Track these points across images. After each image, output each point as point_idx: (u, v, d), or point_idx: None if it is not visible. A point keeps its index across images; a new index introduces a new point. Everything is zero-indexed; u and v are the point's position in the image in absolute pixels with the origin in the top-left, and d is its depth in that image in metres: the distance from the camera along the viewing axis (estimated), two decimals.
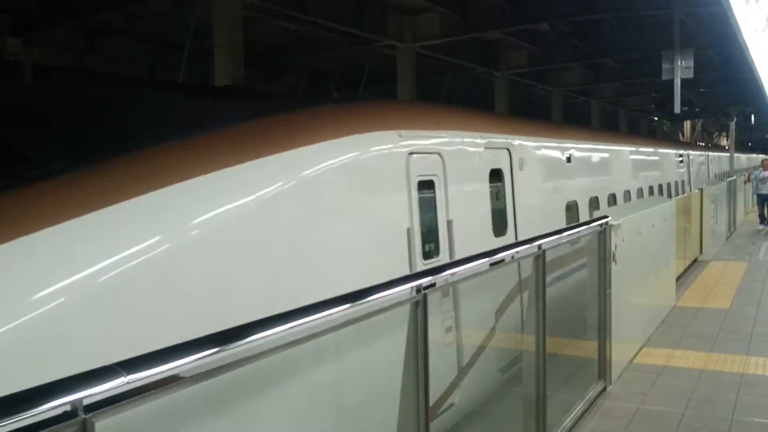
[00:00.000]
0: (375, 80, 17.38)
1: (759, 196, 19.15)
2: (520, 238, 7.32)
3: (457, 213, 6.55)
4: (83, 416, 1.74)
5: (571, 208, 10.34)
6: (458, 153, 7.01)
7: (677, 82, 12.98)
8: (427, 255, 6.07)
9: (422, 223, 6.04)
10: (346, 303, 2.90)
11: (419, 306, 3.24)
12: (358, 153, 5.42)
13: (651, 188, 16.16)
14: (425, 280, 3.30)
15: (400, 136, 5.94)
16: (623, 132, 29.62)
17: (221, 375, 2.26)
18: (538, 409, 4.78)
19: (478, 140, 7.48)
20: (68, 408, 1.72)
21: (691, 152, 23.93)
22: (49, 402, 1.69)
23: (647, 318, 8.02)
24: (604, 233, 6.04)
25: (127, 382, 1.86)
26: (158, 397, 2.00)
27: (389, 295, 3.11)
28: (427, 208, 6.19)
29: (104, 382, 1.81)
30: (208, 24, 11.57)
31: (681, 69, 12.74)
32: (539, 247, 4.69)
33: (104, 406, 1.81)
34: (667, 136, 36.69)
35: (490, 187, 7.59)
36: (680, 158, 21.25)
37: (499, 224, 7.74)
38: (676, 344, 7.50)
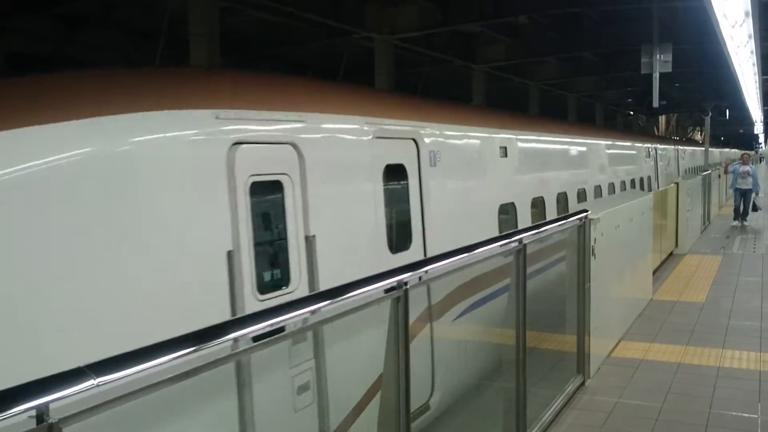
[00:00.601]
0: (353, 72, 17.25)
1: (737, 190, 18.49)
2: (432, 253, 5.92)
3: (324, 225, 5.01)
4: (50, 421, 1.66)
5: (508, 211, 8.84)
6: (327, 143, 5.39)
7: (656, 76, 13.04)
8: (266, 287, 4.55)
9: (258, 243, 4.48)
10: (326, 299, 2.83)
11: (400, 301, 3.18)
12: (122, 144, 3.78)
13: (612, 185, 14.88)
14: (406, 276, 3.24)
15: (217, 118, 4.30)
16: (582, 122, 27.53)
17: (197, 375, 2.18)
18: (518, 404, 4.75)
19: (363, 127, 5.87)
20: (34, 413, 1.64)
21: (659, 146, 22.64)
22: (14, 407, 1.60)
23: (625, 312, 8.05)
24: (583, 227, 6.02)
25: (97, 385, 1.77)
26: (130, 401, 1.92)
27: (369, 291, 3.05)
28: (270, 220, 4.67)
29: (73, 386, 1.72)
30: (186, 13, 11.39)
31: (660, 63, 12.80)
32: (520, 241, 4.65)
33: (72, 410, 1.73)
34: (643, 130, 36.95)
35: (385, 188, 5.99)
36: (646, 152, 20.18)
37: (399, 237, 6.25)
38: (654, 338, 7.54)
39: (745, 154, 20.60)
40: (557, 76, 24.83)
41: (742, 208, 18.28)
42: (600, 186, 13.95)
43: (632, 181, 17.45)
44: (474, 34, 18.68)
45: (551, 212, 10.27)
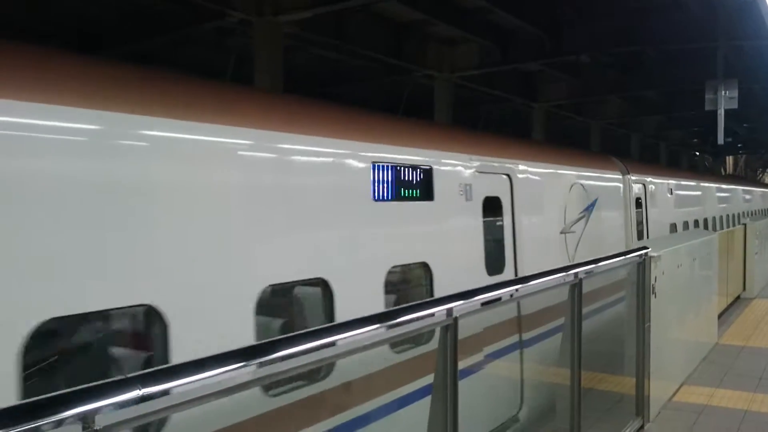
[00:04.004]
0: (412, 109, 17.44)
1: None
2: None
3: None
4: (95, 428, 1.69)
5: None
6: None
7: (721, 113, 12.69)
8: None
9: None
10: (377, 323, 2.82)
11: (450, 330, 3.14)
12: None
13: None
14: (456, 304, 3.20)
15: None
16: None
17: (241, 392, 2.19)
18: None
19: None
20: (79, 420, 1.66)
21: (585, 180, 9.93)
22: (60, 413, 1.63)
23: (687, 355, 7.75)
24: (643, 264, 5.86)
25: (142, 396, 1.79)
26: (173, 412, 1.93)
27: (419, 317, 3.03)
28: None
29: (118, 395, 1.75)
30: (250, 51, 11.75)
31: (725, 99, 12.47)
32: (576, 275, 4.55)
33: (117, 419, 1.75)
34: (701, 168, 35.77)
35: None
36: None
37: None
38: (718, 383, 7.22)
39: None
40: (619, 114, 24.52)
41: None
42: None
43: None
44: (534, 73, 18.67)
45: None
